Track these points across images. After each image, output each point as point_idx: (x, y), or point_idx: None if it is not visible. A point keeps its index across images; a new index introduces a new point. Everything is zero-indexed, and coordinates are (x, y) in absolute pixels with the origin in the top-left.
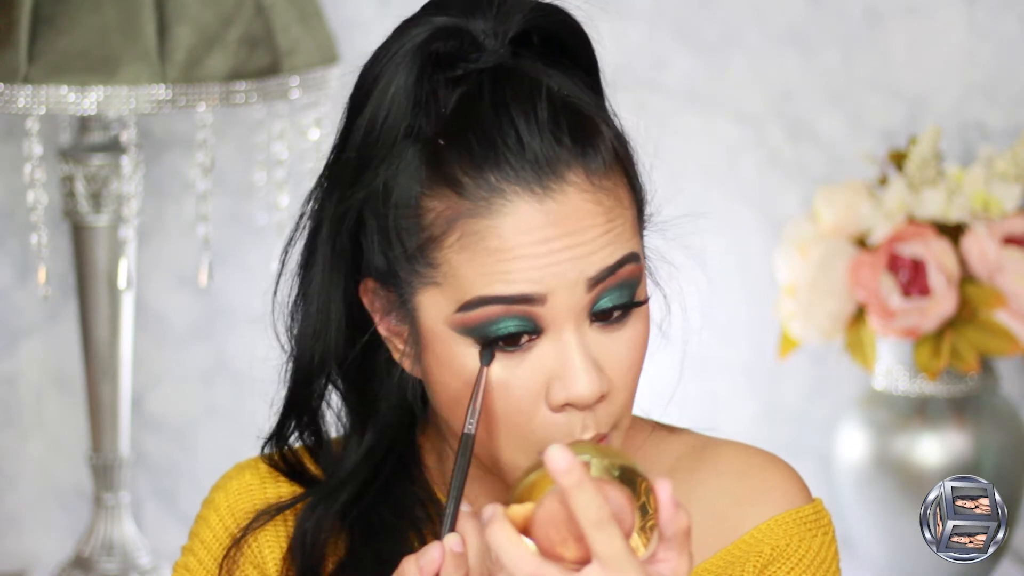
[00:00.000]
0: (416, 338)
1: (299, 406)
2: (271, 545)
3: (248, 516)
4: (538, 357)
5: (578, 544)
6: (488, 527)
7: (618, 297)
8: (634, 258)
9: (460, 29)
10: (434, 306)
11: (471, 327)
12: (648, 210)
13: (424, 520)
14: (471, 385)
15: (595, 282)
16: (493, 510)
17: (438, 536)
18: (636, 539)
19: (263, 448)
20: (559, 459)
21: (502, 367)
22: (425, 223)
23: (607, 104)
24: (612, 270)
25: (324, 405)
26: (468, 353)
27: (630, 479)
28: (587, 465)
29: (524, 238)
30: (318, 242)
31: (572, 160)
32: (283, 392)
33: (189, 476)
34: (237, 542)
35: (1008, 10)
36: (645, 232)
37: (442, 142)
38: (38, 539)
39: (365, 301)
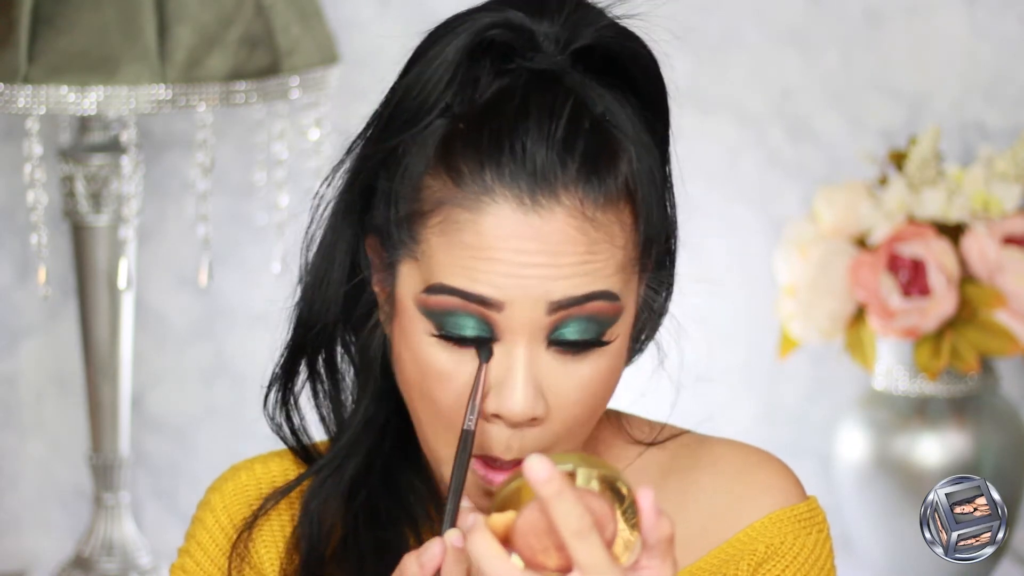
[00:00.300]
0: (392, 303)
1: (298, 351)
2: (267, 545)
3: (244, 517)
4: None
5: (560, 553)
6: (469, 536)
7: (583, 331)
8: (608, 296)
9: (524, 26)
10: (409, 278)
11: (430, 311)
12: (663, 248)
13: (427, 503)
14: (422, 363)
15: (558, 307)
16: (474, 519)
17: (439, 532)
18: (618, 547)
19: (267, 394)
20: (539, 469)
21: (453, 360)
22: (420, 197)
23: (666, 143)
24: (578, 301)
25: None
26: (423, 331)
27: (612, 487)
28: (571, 475)
29: (500, 243)
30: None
31: (571, 183)
32: (286, 338)
33: (189, 476)
34: (249, 525)
35: (1008, 10)
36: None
37: (461, 126)
38: (38, 539)
39: (368, 252)
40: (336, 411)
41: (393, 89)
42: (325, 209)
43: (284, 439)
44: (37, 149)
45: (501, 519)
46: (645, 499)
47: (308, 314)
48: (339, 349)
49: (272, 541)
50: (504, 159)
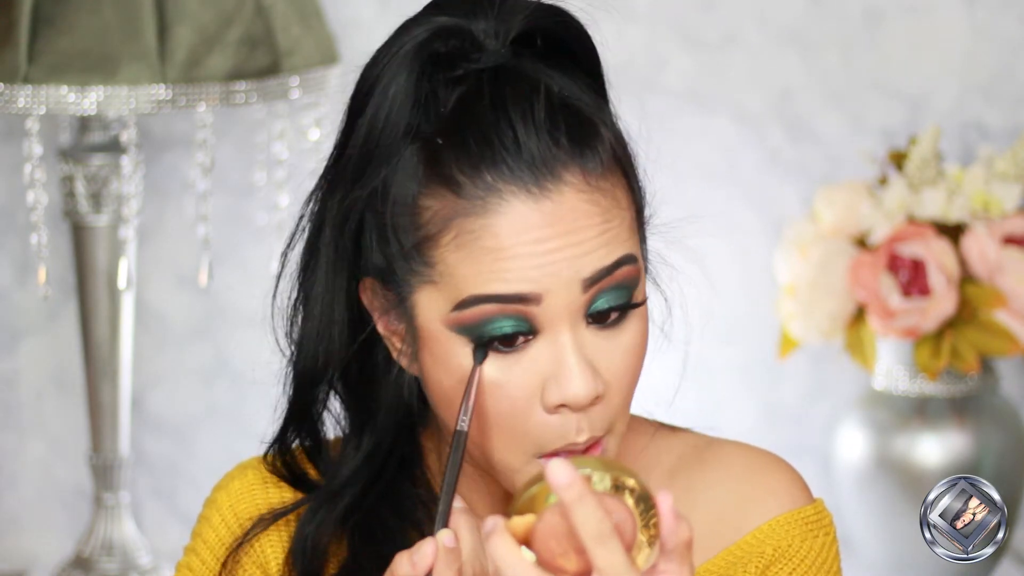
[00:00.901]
0: (413, 336)
1: (302, 411)
2: (274, 546)
3: (251, 516)
4: (533, 358)
5: (579, 557)
6: (489, 539)
7: (615, 298)
8: (631, 259)
9: (461, 29)
10: (430, 305)
11: (467, 326)
12: (648, 212)
13: (426, 522)
14: (465, 384)
15: (591, 282)
16: (494, 522)
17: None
18: (636, 551)
19: (265, 455)
20: (560, 473)
21: (497, 368)
22: (422, 221)
23: (610, 106)
24: (608, 271)
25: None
26: (463, 352)
27: (632, 491)
28: (588, 479)
29: (520, 237)
30: (320, 243)
31: (569, 160)
32: (285, 398)
33: (189, 476)
34: (235, 550)
35: (1008, 10)
36: (646, 234)
37: (440, 141)
38: (38, 539)
39: (364, 300)
40: (324, 456)
41: (348, 129)
42: (306, 264)
43: (283, 478)
44: (37, 149)
45: (521, 522)
46: (664, 503)
47: (313, 370)
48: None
49: (279, 542)
50: (499, 156)
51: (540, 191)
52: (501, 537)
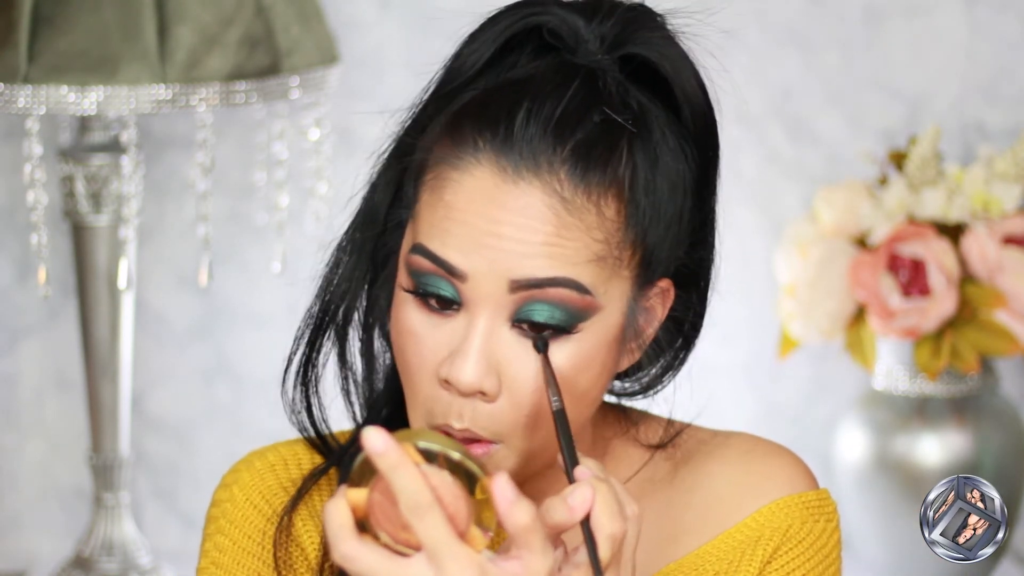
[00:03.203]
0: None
1: (329, 319)
2: (304, 520)
3: (276, 494)
4: (453, 328)
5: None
6: (326, 505)
7: (549, 316)
8: (574, 286)
9: (572, 21)
10: (406, 239)
11: (412, 270)
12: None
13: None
14: (400, 320)
15: (518, 286)
16: (336, 496)
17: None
18: (476, 531)
19: (286, 372)
20: (375, 440)
21: (426, 322)
22: (427, 156)
23: (690, 155)
24: (539, 283)
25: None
26: (404, 290)
27: (469, 474)
28: (423, 453)
29: (472, 204)
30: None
31: (556, 163)
32: (309, 319)
33: (189, 476)
34: (293, 506)
35: (1008, 10)
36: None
37: (479, 94)
38: (38, 539)
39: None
40: (369, 395)
41: (442, 69)
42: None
43: (302, 427)
44: (37, 149)
45: (357, 495)
46: (498, 485)
47: (332, 298)
48: (376, 331)
49: (310, 516)
50: (500, 129)
51: (513, 174)
52: (335, 504)
